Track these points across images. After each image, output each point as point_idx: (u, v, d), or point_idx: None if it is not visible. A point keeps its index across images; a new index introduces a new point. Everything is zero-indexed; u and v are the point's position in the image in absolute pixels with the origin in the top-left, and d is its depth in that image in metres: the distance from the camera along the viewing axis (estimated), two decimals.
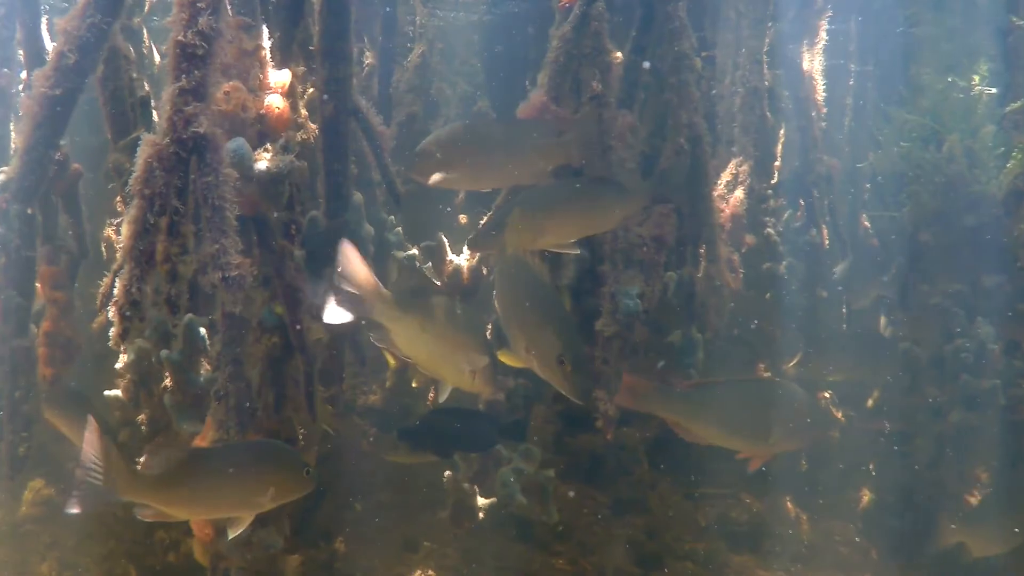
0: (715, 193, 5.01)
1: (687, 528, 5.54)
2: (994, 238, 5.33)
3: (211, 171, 2.57)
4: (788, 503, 5.88)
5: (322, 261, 3.88)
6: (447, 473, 4.36)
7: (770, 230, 5.28)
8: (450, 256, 4.27)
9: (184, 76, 2.61)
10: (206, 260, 2.47)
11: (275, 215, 3.31)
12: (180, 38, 2.63)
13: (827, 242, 5.51)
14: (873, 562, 5.77)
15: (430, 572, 4.84)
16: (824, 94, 5.73)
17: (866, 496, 5.90)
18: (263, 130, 3.07)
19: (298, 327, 3.31)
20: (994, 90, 5.16)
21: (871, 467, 5.92)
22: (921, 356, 5.34)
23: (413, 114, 5.42)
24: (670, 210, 4.28)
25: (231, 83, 3.04)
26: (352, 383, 5.07)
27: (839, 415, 6.08)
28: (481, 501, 4.39)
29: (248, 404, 3.25)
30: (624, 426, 5.31)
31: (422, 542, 5.14)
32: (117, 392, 4.16)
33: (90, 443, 2.62)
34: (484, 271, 4.34)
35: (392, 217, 4.83)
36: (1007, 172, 5.08)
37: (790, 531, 5.73)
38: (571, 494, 5.33)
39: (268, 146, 3.03)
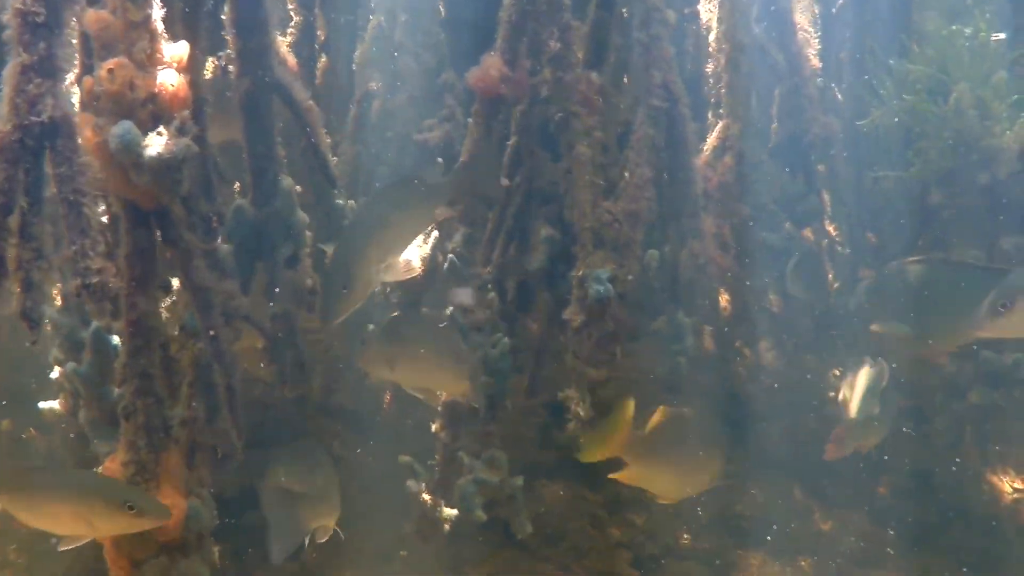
0: (700, 160, 4.56)
1: (689, 525, 5.13)
2: (1012, 196, 4.84)
3: (63, 161, 2.18)
4: (797, 492, 5.45)
5: (252, 254, 3.52)
6: (409, 482, 3.97)
7: (764, 197, 4.84)
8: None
9: (26, 50, 2.22)
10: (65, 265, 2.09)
11: (189, 207, 2.92)
12: (18, 5, 2.24)
13: (828, 208, 5.03)
14: (890, 554, 5.34)
15: None
16: (819, 47, 5.23)
17: (883, 484, 5.46)
18: (156, 111, 2.66)
19: (211, 332, 2.92)
20: (1003, 35, 4.67)
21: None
22: None
23: (372, 90, 4.99)
24: (646, 181, 3.85)
25: (115, 59, 2.64)
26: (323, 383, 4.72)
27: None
28: (449, 511, 3.99)
29: (160, 421, 2.87)
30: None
31: (398, 551, 4.76)
32: (53, 404, 3.89)
33: None
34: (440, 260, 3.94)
35: (352, 203, 4.44)
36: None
37: (798, 523, 5.30)
38: (560, 493, 4.94)
39: (161, 129, 2.62)
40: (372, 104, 5.02)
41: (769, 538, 5.22)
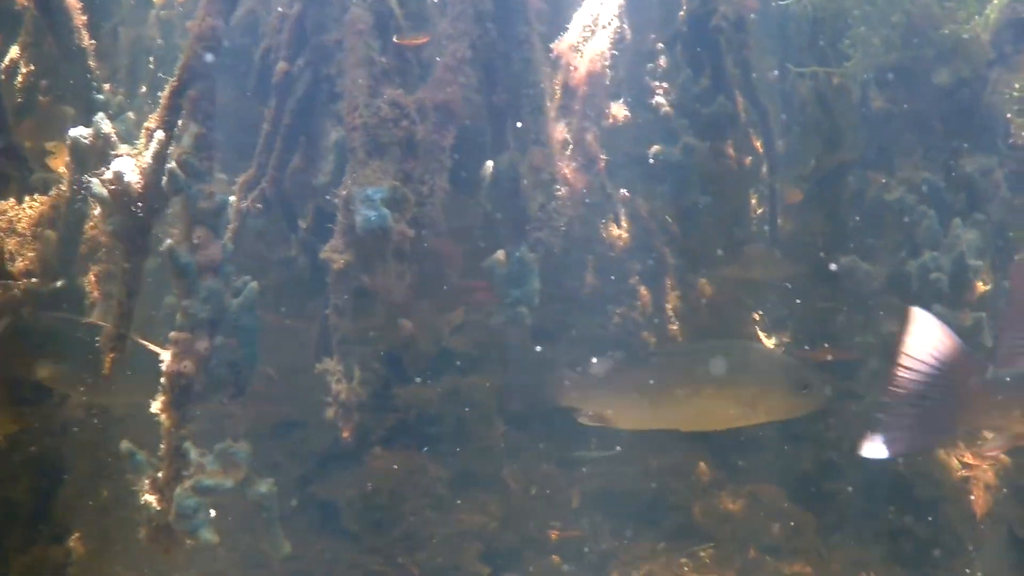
0: (567, 45, 3.42)
1: (557, 509, 4.14)
2: (979, 101, 3.73)
3: None
4: (701, 464, 4.43)
5: None
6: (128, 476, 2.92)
7: (659, 98, 3.70)
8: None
9: None
10: None
11: None
12: None
13: (742, 113, 3.89)
14: (809, 539, 4.36)
15: None
16: None
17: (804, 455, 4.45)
18: None
19: None
20: None
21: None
22: (873, 276, 3.80)
23: None
24: (461, 61, 2.72)
25: None
26: None
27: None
28: None
29: None
30: (472, 373, 3.90)
31: None
32: None
33: None
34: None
35: None
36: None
37: (700, 503, 4.30)
38: (395, 467, 3.94)
39: None
40: None
41: (659, 521, 4.23)
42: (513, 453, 4.11)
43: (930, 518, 4.06)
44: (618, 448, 4.26)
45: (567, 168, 2.99)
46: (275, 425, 3.99)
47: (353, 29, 2.62)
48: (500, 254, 3.10)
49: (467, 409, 3.99)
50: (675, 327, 4.33)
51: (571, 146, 3.31)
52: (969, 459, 4.31)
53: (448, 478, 3.98)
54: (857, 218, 3.80)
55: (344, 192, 2.57)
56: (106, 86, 3.46)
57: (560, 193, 2.90)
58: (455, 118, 2.73)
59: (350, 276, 2.57)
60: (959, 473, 4.25)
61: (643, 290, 4.25)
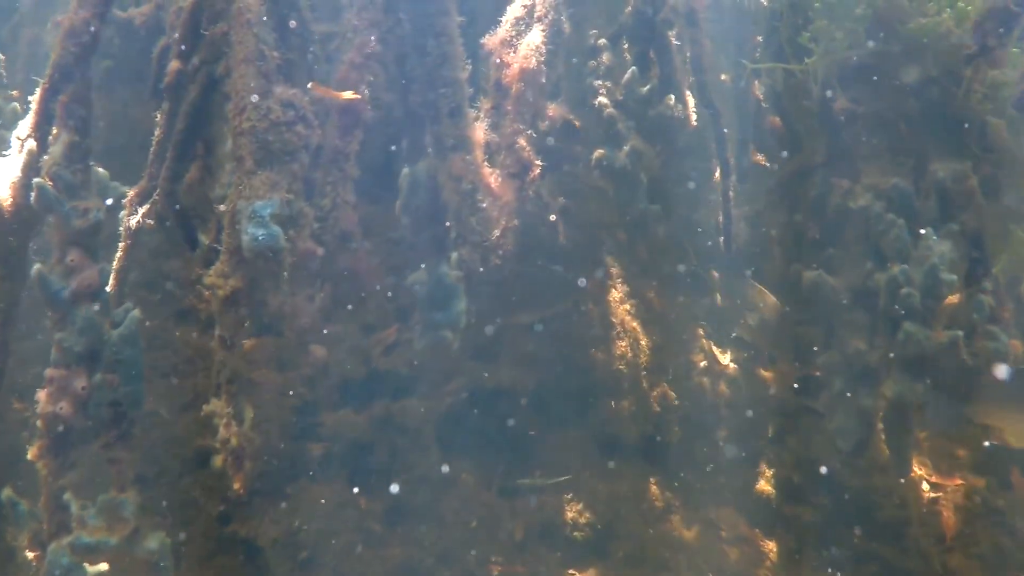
0: (498, 39, 3.08)
1: (499, 542, 3.84)
2: (950, 100, 3.44)
3: None
4: (654, 487, 4.14)
5: None
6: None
7: (603, 98, 3.37)
8: None
9: None
10: None
11: None
12: None
13: (693, 115, 3.54)
14: (770, 567, 4.11)
15: None
16: None
17: (764, 476, 4.19)
18: None
19: None
20: None
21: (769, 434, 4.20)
22: (838, 291, 3.50)
23: None
24: (370, 55, 2.38)
25: None
26: None
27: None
28: None
29: None
30: (404, 395, 3.59)
31: None
32: None
33: None
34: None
35: None
36: None
37: (654, 529, 4.02)
38: (323, 501, 3.63)
39: None
40: None
41: (610, 552, 3.95)
42: (451, 482, 3.79)
43: (897, 542, 3.79)
44: (566, 476, 3.96)
45: (492, 177, 2.65)
46: (190, 457, 3.65)
47: (241, 20, 2.27)
48: (420, 273, 2.78)
49: (400, 436, 3.68)
50: (624, 343, 4.05)
51: (502, 151, 2.98)
52: (937, 480, 4.07)
53: (381, 511, 3.65)
54: (819, 227, 3.49)
55: (230, 208, 2.22)
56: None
57: (484, 205, 2.57)
58: (358, 121, 2.39)
59: (239, 303, 2.23)
60: (927, 494, 4.00)
61: (591, 306, 3.96)
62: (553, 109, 3.14)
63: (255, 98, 2.23)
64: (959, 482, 4.06)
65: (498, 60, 3.04)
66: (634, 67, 3.42)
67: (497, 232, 2.88)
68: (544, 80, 3.05)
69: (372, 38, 2.39)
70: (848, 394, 3.46)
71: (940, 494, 4.20)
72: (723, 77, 3.77)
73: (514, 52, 3.05)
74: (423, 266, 2.76)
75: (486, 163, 2.85)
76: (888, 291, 3.40)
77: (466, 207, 2.58)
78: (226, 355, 2.27)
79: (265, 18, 2.31)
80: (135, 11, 3.42)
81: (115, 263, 2.64)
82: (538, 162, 3.00)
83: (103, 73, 3.33)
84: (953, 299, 3.67)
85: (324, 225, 2.34)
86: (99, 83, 3.09)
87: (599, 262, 3.52)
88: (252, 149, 2.23)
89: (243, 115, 2.24)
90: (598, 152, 3.41)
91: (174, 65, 2.66)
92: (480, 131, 2.65)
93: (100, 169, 2.66)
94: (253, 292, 2.21)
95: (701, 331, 4.25)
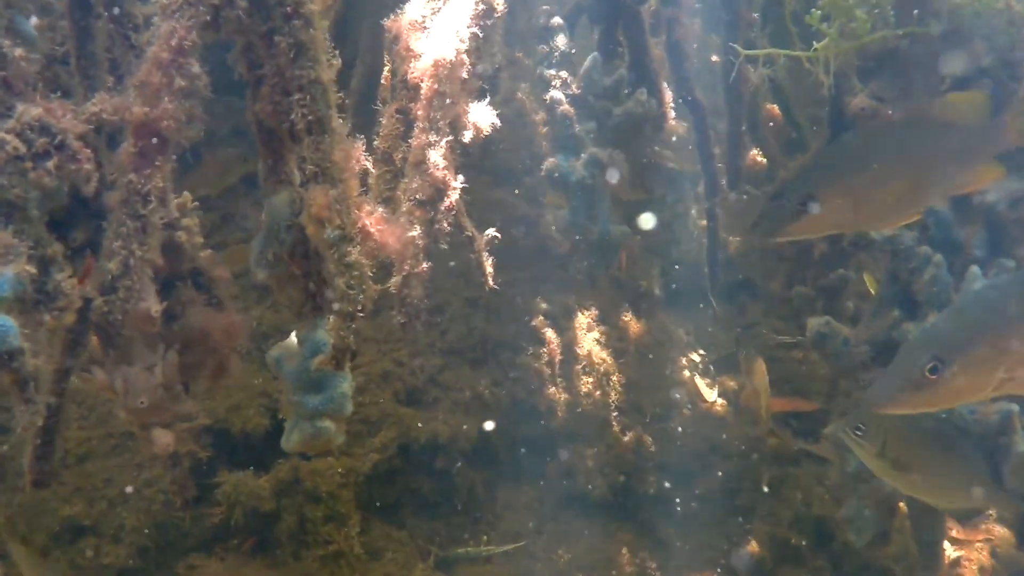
0: (407, 21, 2.35)
1: None
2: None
3: None
4: (624, 551, 3.54)
5: None
6: None
7: (555, 92, 2.64)
8: None
9: None
10: None
11: None
12: None
13: (670, 111, 2.79)
14: None
15: None
16: None
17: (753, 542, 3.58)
18: None
19: None
20: None
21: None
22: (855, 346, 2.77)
23: None
24: (176, 52, 1.67)
25: None
26: None
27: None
28: None
29: None
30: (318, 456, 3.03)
31: None
32: None
33: None
34: None
35: None
36: None
37: None
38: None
39: None
40: None
41: None
42: (375, 555, 3.18)
43: None
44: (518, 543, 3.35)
45: (372, 217, 1.96)
46: (57, 532, 3.07)
47: None
48: (287, 343, 2.09)
49: (311, 503, 3.06)
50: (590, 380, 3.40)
51: (411, 171, 2.28)
52: (960, 534, 3.63)
53: None
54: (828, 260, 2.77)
55: None
56: None
57: (352, 256, 1.87)
58: (169, 145, 1.70)
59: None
60: (948, 556, 3.49)
61: (550, 334, 3.30)
62: (479, 112, 2.41)
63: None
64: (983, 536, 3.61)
65: (404, 48, 2.32)
66: (596, 54, 2.67)
67: (396, 280, 2.20)
68: (467, 75, 2.34)
69: (187, 24, 1.69)
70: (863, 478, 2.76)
71: (963, 552, 3.59)
72: (713, 58, 3.04)
73: (427, 38, 2.34)
74: (293, 333, 2.09)
75: (372, 192, 2.15)
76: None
77: (334, 257, 1.89)
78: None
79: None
80: None
81: None
82: (455, 184, 2.29)
83: None
84: None
85: (111, 300, 1.67)
86: None
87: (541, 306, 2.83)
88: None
89: None
90: (549, 161, 2.69)
91: None
92: (356, 151, 1.94)
93: None
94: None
95: (684, 362, 3.61)
